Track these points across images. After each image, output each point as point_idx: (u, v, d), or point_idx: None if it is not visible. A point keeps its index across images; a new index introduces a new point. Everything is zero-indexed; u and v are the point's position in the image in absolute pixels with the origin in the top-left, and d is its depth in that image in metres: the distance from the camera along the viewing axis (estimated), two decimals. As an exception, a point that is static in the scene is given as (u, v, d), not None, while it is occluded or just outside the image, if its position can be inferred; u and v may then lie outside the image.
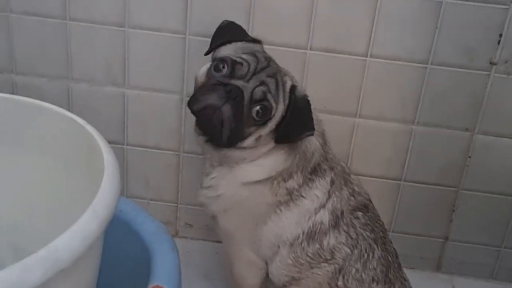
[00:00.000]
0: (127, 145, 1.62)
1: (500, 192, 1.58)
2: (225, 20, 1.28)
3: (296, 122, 1.19)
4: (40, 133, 1.10)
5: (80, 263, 0.80)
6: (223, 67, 1.16)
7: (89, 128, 1.02)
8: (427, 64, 1.44)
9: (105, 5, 1.47)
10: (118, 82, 1.55)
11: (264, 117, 1.16)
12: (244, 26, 1.34)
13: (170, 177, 1.66)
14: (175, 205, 1.70)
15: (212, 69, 1.18)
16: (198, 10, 1.46)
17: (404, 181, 1.59)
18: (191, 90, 1.50)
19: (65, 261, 0.76)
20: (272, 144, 1.22)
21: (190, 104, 1.17)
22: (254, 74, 1.16)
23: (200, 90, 1.18)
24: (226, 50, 1.21)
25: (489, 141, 1.52)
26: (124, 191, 1.68)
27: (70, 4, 1.47)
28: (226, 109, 1.13)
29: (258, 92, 1.15)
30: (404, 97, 1.49)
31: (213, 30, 1.44)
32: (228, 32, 1.26)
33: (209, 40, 1.44)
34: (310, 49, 1.46)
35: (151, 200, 1.69)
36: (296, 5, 1.42)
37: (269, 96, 1.15)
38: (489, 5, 1.37)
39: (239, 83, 1.14)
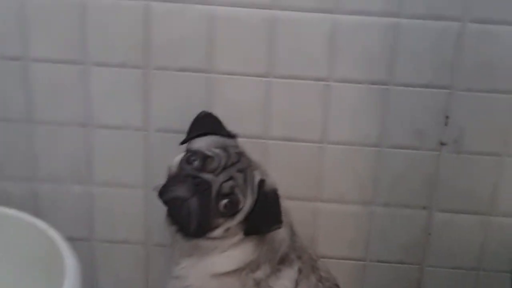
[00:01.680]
0: (95, 241, 1.63)
1: (463, 267, 1.60)
2: (203, 111, 1.33)
3: (264, 215, 1.23)
4: (2, 240, 1.12)
5: None
6: (194, 160, 1.21)
7: (50, 232, 1.05)
8: (380, 147, 1.50)
9: (69, 106, 1.52)
10: (84, 180, 1.58)
11: (232, 210, 1.20)
12: (204, 122, 1.40)
13: (140, 270, 1.66)
14: (146, 298, 1.70)
15: (185, 160, 1.22)
16: (158, 107, 1.51)
17: (369, 261, 1.61)
18: (154, 184, 1.55)
19: None
20: (241, 235, 1.24)
21: (160, 193, 1.21)
22: (224, 168, 1.20)
23: (171, 180, 1.22)
24: (200, 142, 1.26)
25: (447, 217, 1.56)
26: (93, 286, 1.67)
27: (35, 106, 1.52)
28: (193, 202, 1.17)
29: (226, 186, 1.19)
30: (361, 179, 1.54)
31: (174, 124, 1.50)
32: (205, 123, 1.31)
33: (171, 134, 1.51)
34: (269, 138, 1.51)
35: (122, 294, 1.69)
36: (253, 98, 1.48)
37: (236, 191, 1.19)
38: (433, 89, 1.44)
39: (208, 176, 1.18)
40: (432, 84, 1.44)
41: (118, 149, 1.55)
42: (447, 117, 1.47)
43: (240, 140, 1.33)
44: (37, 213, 1.43)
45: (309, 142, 1.51)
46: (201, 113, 1.33)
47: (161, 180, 1.51)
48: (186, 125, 1.49)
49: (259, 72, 1.46)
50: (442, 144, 1.49)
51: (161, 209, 1.54)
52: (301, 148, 1.52)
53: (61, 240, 1.02)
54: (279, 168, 1.51)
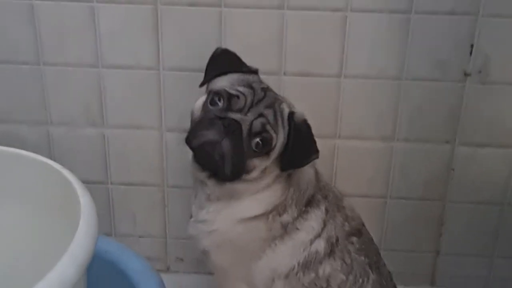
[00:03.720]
0: (111, 184, 1.62)
1: (486, 202, 1.58)
2: (219, 48, 1.27)
3: (300, 148, 1.19)
4: (18, 180, 1.11)
5: (60, 310, 0.79)
6: (219, 100, 1.15)
7: (65, 172, 1.03)
8: (400, 79, 1.45)
9: (77, 48, 1.48)
10: (97, 123, 1.55)
11: (265, 148, 1.16)
12: (217, 57, 1.36)
13: (157, 212, 1.65)
14: (164, 240, 1.69)
15: (208, 102, 1.17)
16: (170, 44, 1.46)
17: (390, 198, 1.59)
18: (170, 124, 1.53)
19: (44, 309, 0.75)
20: (276, 173, 1.21)
21: (188, 140, 1.15)
22: (251, 106, 1.15)
23: (197, 125, 1.16)
24: (221, 82, 1.20)
25: (471, 151, 1.52)
26: (111, 229, 1.67)
27: (43, 49, 1.48)
28: (226, 144, 1.12)
29: (257, 124, 1.14)
30: (381, 114, 1.50)
31: (186, 62, 1.47)
32: (223, 61, 1.25)
33: (183, 73, 1.47)
34: (284, 74, 1.47)
35: (140, 236, 1.68)
36: (267, 33, 1.43)
37: (268, 127, 1.15)
38: (457, 16, 1.39)
39: (236, 116, 1.13)
40: (455, 11, 1.38)
41: (130, 90, 1.52)
42: (471, 45, 1.41)
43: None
44: (51, 157, 1.42)
45: (326, 76, 1.47)
46: (216, 50, 1.27)
47: (174, 120, 1.50)
48: (198, 62, 1.44)
49: (272, 4, 1.40)
50: (466, 74, 1.44)
51: (177, 150, 1.54)
52: (317, 83, 1.47)
53: (75, 180, 1.00)
54: (295, 104, 1.47)
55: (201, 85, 1.24)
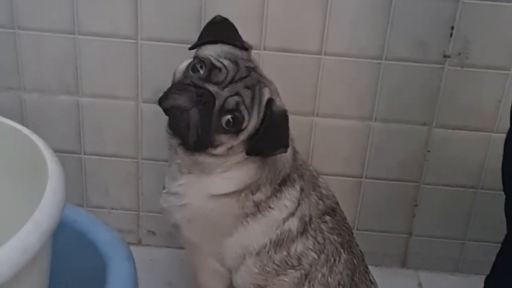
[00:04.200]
0: (84, 154, 1.60)
1: (460, 185, 1.58)
2: (219, 16, 1.23)
3: (270, 137, 1.16)
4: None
5: (23, 276, 0.78)
6: (201, 68, 1.12)
7: (34, 137, 0.99)
8: (381, 59, 1.45)
9: (54, 13, 1.45)
10: (71, 91, 1.53)
11: (234, 127, 1.13)
12: (196, 30, 1.33)
13: (130, 185, 1.64)
14: (137, 213, 1.67)
15: (190, 68, 1.13)
16: (149, 15, 1.44)
17: (365, 178, 1.59)
18: (146, 95, 1.51)
19: (4, 275, 0.73)
20: (243, 155, 1.19)
21: (160, 101, 1.13)
22: (231, 82, 1.12)
23: (172, 88, 1.14)
24: (210, 50, 1.16)
25: (447, 134, 1.52)
26: (83, 201, 1.65)
27: (18, 13, 1.45)
28: (194, 113, 1.10)
29: (231, 102, 1.11)
30: (360, 94, 1.49)
31: (165, 33, 1.44)
32: (218, 30, 1.21)
33: (161, 44, 1.45)
34: (264, 49, 1.45)
35: (112, 209, 1.67)
36: (247, 6, 1.41)
37: (241, 108, 1.12)
38: (439, -2, 1.38)
39: (213, 88, 1.11)
40: (438, -8, 1.37)
41: (106, 59, 1.49)
42: (452, 28, 1.40)
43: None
44: (24, 123, 1.38)
45: (306, 53, 1.45)
46: (216, 17, 1.23)
47: (151, 92, 1.48)
48: (177, 34, 1.44)
49: (254, -23, 1.39)
50: (446, 56, 1.44)
51: (153, 122, 1.52)
52: (297, 59, 1.46)
53: (44, 146, 0.97)
54: (274, 81, 1.45)
55: (191, 48, 1.21)
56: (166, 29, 1.45)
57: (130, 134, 1.57)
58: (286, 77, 1.45)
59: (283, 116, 1.18)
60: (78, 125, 1.56)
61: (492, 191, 1.56)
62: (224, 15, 1.34)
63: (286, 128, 1.18)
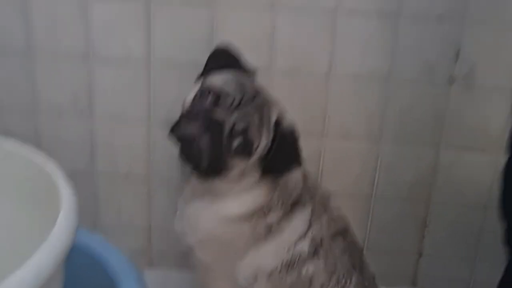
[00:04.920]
0: (97, 174, 1.63)
1: (469, 205, 1.59)
2: (222, 44, 1.27)
3: (281, 156, 1.19)
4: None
5: (36, 299, 0.80)
6: (208, 96, 1.15)
7: (48, 165, 1.03)
8: (388, 80, 1.47)
9: (69, 37, 1.48)
10: (85, 113, 1.56)
11: (245, 150, 1.16)
12: (206, 53, 1.36)
13: (142, 204, 1.66)
14: (148, 231, 1.70)
15: (198, 97, 1.17)
16: (161, 38, 1.47)
17: (375, 198, 1.60)
18: (158, 116, 1.54)
19: (19, 298, 0.76)
20: (257, 176, 1.21)
21: (171, 131, 1.16)
22: (238, 106, 1.15)
23: (182, 117, 1.17)
24: (216, 78, 1.20)
25: (455, 155, 1.53)
26: (96, 221, 1.68)
27: (35, 38, 1.49)
28: (204, 140, 1.13)
29: (240, 125, 1.14)
30: (369, 114, 1.51)
31: (177, 56, 1.48)
32: (222, 57, 1.25)
33: (173, 67, 1.48)
34: (274, 71, 1.48)
35: (124, 227, 1.69)
36: (257, 29, 1.44)
37: (251, 130, 1.15)
38: (445, 21, 1.40)
39: (221, 114, 1.13)
40: (444, 16, 1.39)
41: (119, 81, 1.52)
42: (458, 51, 1.42)
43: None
44: (39, 146, 1.42)
45: (315, 75, 1.48)
46: (220, 45, 1.27)
47: (162, 113, 1.51)
48: (189, 56, 1.47)
49: (264, 2, 1.41)
50: (452, 79, 1.45)
51: (164, 143, 1.54)
52: (307, 80, 1.48)
53: (57, 173, 1.00)
54: (283, 102, 1.47)
55: (198, 78, 1.24)
56: (178, 52, 1.48)
57: (142, 154, 1.60)
58: (295, 98, 1.49)
59: (293, 134, 1.21)
60: (91, 146, 1.59)
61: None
62: (235, 38, 1.38)
63: (297, 145, 1.21)
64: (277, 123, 1.18)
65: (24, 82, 1.53)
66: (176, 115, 1.17)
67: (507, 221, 1.15)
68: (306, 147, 1.47)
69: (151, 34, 1.47)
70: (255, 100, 1.17)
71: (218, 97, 1.15)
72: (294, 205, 1.25)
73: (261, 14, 1.42)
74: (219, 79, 1.19)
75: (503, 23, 1.39)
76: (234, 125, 1.14)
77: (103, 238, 1.26)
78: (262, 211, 1.23)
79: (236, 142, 1.14)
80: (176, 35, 1.47)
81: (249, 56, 1.43)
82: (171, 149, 1.25)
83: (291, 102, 1.47)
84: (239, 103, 1.15)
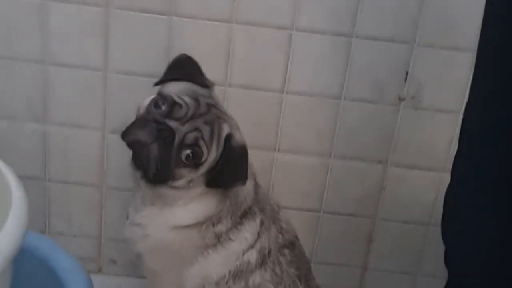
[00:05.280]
0: (49, 181, 1.62)
1: (414, 221, 1.64)
2: (183, 54, 1.28)
3: (228, 171, 1.21)
4: None
5: (-18, 299, 0.81)
6: (163, 104, 1.17)
7: (0, 167, 1.03)
8: (340, 99, 1.51)
9: (25, 42, 1.48)
10: (39, 119, 1.55)
11: (194, 161, 1.17)
12: (163, 64, 1.38)
13: (93, 212, 1.66)
14: (98, 240, 1.69)
15: (153, 104, 1.18)
16: (119, 48, 1.48)
17: (323, 212, 1.64)
18: (113, 126, 1.55)
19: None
20: (204, 187, 1.23)
21: (122, 135, 1.17)
22: (191, 118, 1.16)
23: (135, 123, 1.19)
24: (172, 87, 1.21)
25: (402, 172, 1.59)
26: (46, 227, 1.67)
27: (-10, 41, 1.48)
28: (154, 148, 1.14)
29: (190, 137, 1.16)
30: (319, 131, 1.55)
31: (133, 67, 1.49)
32: (182, 68, 1.26)
33: (129, 77, 1.49)
34: (229, 85, 1.51)
35: (74, 236, 1.68)
36: (214, 44, 1.47)
37: (200, 143, 1.16)
38: (395, 43, 1.45)
39: (173, 124, 1.15)
40: (394, 38, 1.45)
41: (75, 89, 1.53)
42: (406, 72, 1.48)
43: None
44: (-10, 149, 1.42)
45: (269, 90, 1.51)
46: (181, 56, 1.29)
47: (117, 123, 1.52)
48: (145, 67, 1.49)
49: (221, 17, 1.44)
50: (401, 99, 1.51)
51: (118, 152, 1.56)
52: (261, 96, 1.52)
53: (9, 173, 1.01)
54: (237, 116, 1.49)
55: (155, 84, 1.26)
56: (134, 63, 1.49)
57: (95, 163, 1.60)
58: (249, 113, 1.52)
59: (242, 151, 1.23)
60: (44, 152, 1.59)
61: (443, 228, 1.63)
62: (191, 52, 1.40)
63: (245, 162, 1.23)
64: (227, 139, 1.20)
65: (-23, 85, 1.53)
66: (130, 121, 1.19)
67: (445, 244, 1.19)
68: (258, 160, 1.50)
69: (109, 42, 1.48)
70: (208, 114, 1.19)
71: (172, 107, 1.17)
72: (243, 216, 1.27)
73: (217, 27, 1.45)
74: (176, 89, 1.20)
75: (450, 47, 1.45)
76: (184, 136, 1.15)
77: (52, 241, 1.26)
78: (211, 221, 1.25)
79: (185, 153, 1.16)
80: (133, 46, 1.48)
81: (205, 68, 1.46)
82: (124, 159, 1.26)
83: (245, 117, 1.49)
84: (192, 115, 1.17)
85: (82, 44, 1.48)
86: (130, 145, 1.17)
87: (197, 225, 1.24)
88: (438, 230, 1.61)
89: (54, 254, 1.22)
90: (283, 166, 1.59)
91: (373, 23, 1.44)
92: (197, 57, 1.43)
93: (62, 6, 1.45)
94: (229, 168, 1.20)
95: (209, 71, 1.46)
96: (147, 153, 1.15)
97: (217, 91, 1.46)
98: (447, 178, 1.55)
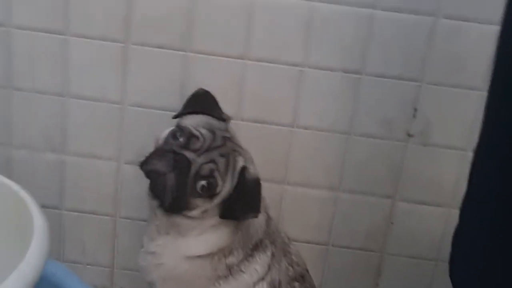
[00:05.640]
0: (64, 210, 1.66)
1: (422, 256, 1.65)
2: (201, 89, 1.34)
3: (242, 202, 1.24)
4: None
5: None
6: (180, 136, 1.21)
7: (21, 193, 1.07)
8: (349, 134, 1.54)
9: (46, 75, 1.53)
10: (57, 149, 1.60)
11: (208, 192, 1.21)
12: (178, 98, 1.43)
13: (106, 242, 1.69)
14: (111, 269, 1.72)
15: (171, 135, 1.23)
16: (136, 82, 1.53)
17: (332, 245, 1.66)
18: (128, 157, 1.59)
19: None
20: (217, 218, 1.25)
21: (141, 164, 1.22)
22: (207, 150, 1.20)
23: (153, 153, 1.23)
24: (190, 120, 1.26)
25: (410, 207, 1.60)
26: (60, 255, 1.70)
27: (14, 73, 1.53)
28: (170, 177, 1.18)
29: (206, 168, 1.19)
30: (328, 165, 1.58)
31: (149, 100, 1.53)
32: (200, 101, 1.32)
33: (145, 110, 1.54)
34: (241, 119, 1.54)
35: (88, 264, 1.71)
36: (227, 79, 1.51)
37: (215, 174, 1.20)
38: (404, 81, 1.48)
39: (190, 155, 1.19)
40: (402, 76, 1.48)
41: (93, 121, 1.57)
42: (415, 109, 1.51)
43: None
44: (10, 178, 1.45)
45: (280, 125, 1.55)
46: (199, 90, 1.34)
47: (132, 154, 1.55)
48: (161, 101, 1.53)
49: (235, 54, 1.49)
50: (409, 135, 1.54)
51: (132, 184, 1.59)
52: (271, 130, 1.55)
53: (31, 200, 1.04)
54: (248, 149, 1.53)
55: (174, 117, 1.31)
56: (150, 97, 1.54)
57: (109, 193, 1.63)
58: (260, 146, 1.55)
59: (256, 183, 1.26)
60: (60, 181, 1.63)
61: (451, 263, 1.64)
62: (206, 87, 1.45)
63: (258, 195, 1.26)
64: (242, 171, 1.24)
65: (0, 115, 1.57)
66: (146, 153, 1.23)
67: (453, 284, 1.19)
68: (268, 192, 1.52)
69: (127, 76, 1.52)
70: (224, 147, 1.24)
71: (189, 138, 1.21)
72: (254, 249, 1.30)
73: (231, 63, 1.49)
74: (193, 122, 1.25)
75: (458, 85, 1.48)
76: (200, 167, 1.19)
77: (67, 268, 1.29)
78: (223, 252, 1.27)
79: (200, 184, 1.20)
80: (150, 79, 1.53)
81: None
82: (139, 191, 1.30)
83: (256, 150, 1.53)
84: (208, 147, 1.21)
85: (100, 77, 1.53)
86: (148, 174, 1.22)
87: (210, 255, 1.27)
88: (446, 266, 1.62)
89: (69, 281, 1.25)
90: (292, 199, 1.62)
91: (382, 61, 1.47)
92: (210, 90, 1.49)
93: (82, 41, 1.50)
94: (243, 200, 1.24)
95: (222, 105, 1.50)
96: (164, 183, 1.19)
97: (231, 124, 1.51)
98: (454, 213, 1.56)
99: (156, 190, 1.22)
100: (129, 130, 1.57)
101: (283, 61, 1.49)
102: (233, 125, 1.51)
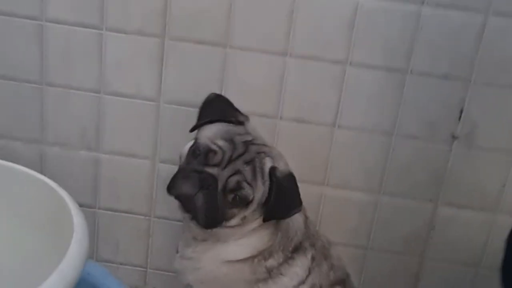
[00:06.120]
0: (98, 208, 1.64)
1: (463, 262, 1.61)
2: (213, 93, 1.30)
3: (281, 202, 1.21)
4: (11, 195, 1.12)
5: (45, 325, 0.81)
6: (199, 154, 1.18)
7: (60, 191, 1.05)
8: (391, 135, 1.50)
9: (82, 72, 1.51)
10: (91, 147, 1.58)
11: (241, 203, 1.18)
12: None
13: (140, 241, 1.67)
14: (144, 269, 1.70)
15: (191, 153, 1.20)
16: (172, 79, 1.50)
17: (370, 250, 1.62)
18: (164, 156, 1.57)
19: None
20: (260, 221, 1.23)
21: (168, 189, 1.19)
22: (229, 162, 1.17)
23: (177, 175, 1.20)
24: (207, 132, 1.23)
25: (452, 212, 1.56)
26: (94, 254, 1.68)
27: (48, 69, 1.52)
28: (199, 198, 1.16)
29: (232, 181, 1.16)
30: (369, 167, 1.54)
31: (186, 98, 1.50)
32: (214, 108, 1.28)
33: (182, 107, 1.51)
34: (280, 118, 1.51)
35: (121, 264, 1.69)
36: (267, 77, 1.48)
37: (244, 185, 1.17)
38: (451, 81, 1.44)
39: (213, 170, 1.16)
40: (449, 75, 1.44)
41: (128, 118, 1.55)
42: (461, 110, 1.46)
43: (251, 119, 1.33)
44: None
45: (320, 124, 1.51)
46: (210, 95, 1.30)
47: (168, 152, 1.53)
48: (198, 99, 1.49)
49: (276, 50, 1.45)
50: (454, 137, 1.49)
51: (167, 182, 1.55)
52: (311, 130, 1.51)
53: (70, 199, 1.02)
54: (287, 149, 1.50)
55: (191, 130, 1.28)
56: (187, 94, 1.51)
57: (145, 192, 1.61)
58: (300, 147, 1.52)
59: (289, 179, 1.23)
60: (95, 180, 1.61)
61: (493, 270, 1.58)
62: (245, 85, 1.42)
63: (295, 189, 1.23)
64: (272, 172, 1.20)
65: (34, 110, 1.56)
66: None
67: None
68: (307, 194, 1.49)
69: (163, 72, 1.50)
70: (247, 153, 1.20)
71: (206, 154, 1.18)
72: (294, 251, 1.27)
73: (271, 59, 1.46)
74: (210, 134, 1.21)
75: (507, 86, 1.44)
76: (227, 180, 1.16)
77: (103, 268, 1.27)
78: (262, 255, 1.25)
79: (231, 197, 1.17)
80: (187, 75, 1.50)
81: (257, 100, 1.48)
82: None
83: (295, 149, 1.52)
84: (230, 159, 1.18)
85: (136, 74, 1.51)
86: (176, 198, 1.19)
87: (249, 259, 1.24)
88: (488, 272, 1.60)
89: (105, 281, 1.23)
90: (331, 201, 1.58)
91: (428, 59, 1.43)
92: (249, 89, 1.46)
93: (119, 37, 1.48)
94: (282, 199, 1.21)
95: (261, 103, 1.48)
96: (194, 204, 1.16)
97: (269, 123, 1.48)
98: (499, 219, 1.54)
99: (188, 212, 1.20)
100: (165, 128, 1.55)
101: (325, 58, 1.45)
102: (272, 123, 1.49)
